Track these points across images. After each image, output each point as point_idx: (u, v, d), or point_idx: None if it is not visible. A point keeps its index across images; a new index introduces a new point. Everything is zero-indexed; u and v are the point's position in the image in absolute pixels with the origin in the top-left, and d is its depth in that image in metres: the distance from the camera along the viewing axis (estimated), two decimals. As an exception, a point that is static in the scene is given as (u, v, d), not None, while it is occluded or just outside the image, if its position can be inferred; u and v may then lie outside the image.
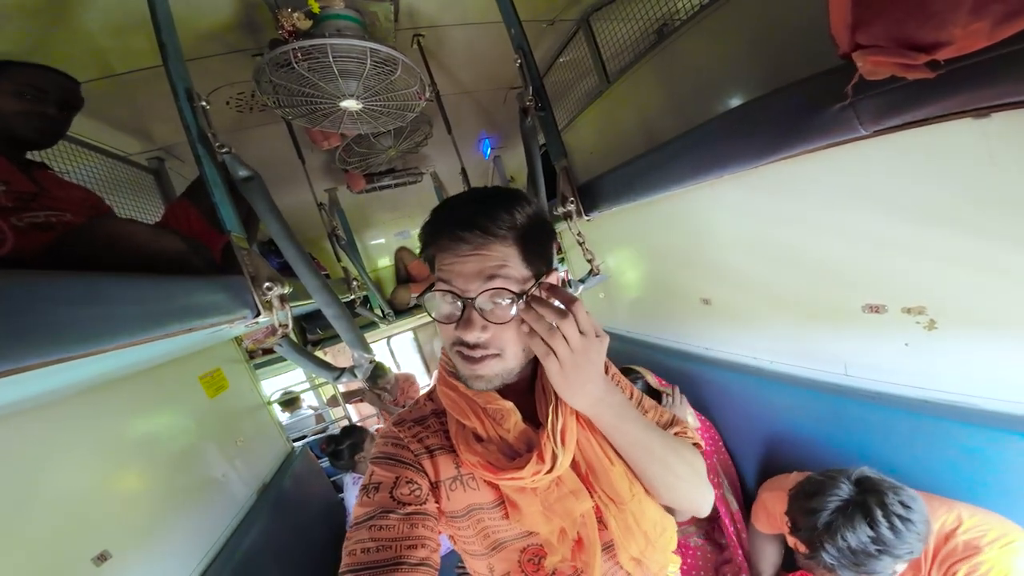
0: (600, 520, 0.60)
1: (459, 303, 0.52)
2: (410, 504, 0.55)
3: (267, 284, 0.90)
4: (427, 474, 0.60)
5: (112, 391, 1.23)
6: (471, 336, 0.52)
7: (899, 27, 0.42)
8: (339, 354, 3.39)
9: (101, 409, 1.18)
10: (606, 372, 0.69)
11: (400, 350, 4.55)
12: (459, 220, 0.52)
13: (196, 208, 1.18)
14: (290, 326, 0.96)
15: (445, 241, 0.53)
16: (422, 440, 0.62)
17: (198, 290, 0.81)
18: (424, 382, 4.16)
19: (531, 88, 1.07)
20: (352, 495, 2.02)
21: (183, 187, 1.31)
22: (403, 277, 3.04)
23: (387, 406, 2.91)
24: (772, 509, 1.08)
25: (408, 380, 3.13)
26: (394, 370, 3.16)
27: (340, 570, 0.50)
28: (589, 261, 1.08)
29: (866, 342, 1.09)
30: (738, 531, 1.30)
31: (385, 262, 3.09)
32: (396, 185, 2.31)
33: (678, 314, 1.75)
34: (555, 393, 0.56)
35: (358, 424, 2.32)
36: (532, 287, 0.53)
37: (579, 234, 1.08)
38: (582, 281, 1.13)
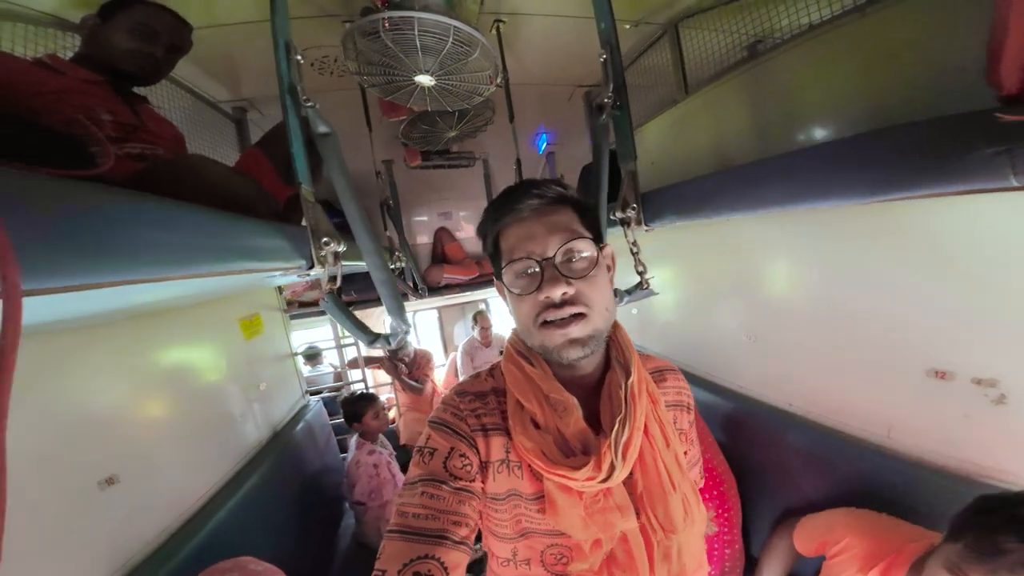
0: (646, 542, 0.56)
1: (538, 267, 0.53)
2: (461, 479, 0.55)
3: (325, 239, 0.93)
4: (479, 451, 0.59)
5: (152, 321, 1.22)
6: (557, 292, 0.52)
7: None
8: (363, 320, 3.47)
9: (137, 337, 1.18)
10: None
11: (423, 327, 4.62)
12: (517, 195, 0.56)
13: (267, 158, 1.23)
14: (339, 283, 0.99)
15: (509, 217, 0.56)
16: (479, 416, 0.61)
17: (263, 234, 0.83)
18: (440, 362, 4.21)
19: (612, 85, 1.04)
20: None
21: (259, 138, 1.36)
22: (439, 257, 3.08)
23: (402, 378, 2.97)
24: (838, 536, 0.97)
25: (425, 357, 3.19)
26: (414, 345, 3.23)
27: (389, 527, 0.51)
28: (640, 273, 1.04)
29: (920, 407, 1.02)
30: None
31: (424, 239, 3.14)
32: (449, 166, 2.33)
33: (715, 346, 1.68)
34: (625, 403, 0.55)
35: (371, 392, 2.37)
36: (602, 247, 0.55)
37: (634, 243, 1.05)
38: (629, 293, 1.09)
